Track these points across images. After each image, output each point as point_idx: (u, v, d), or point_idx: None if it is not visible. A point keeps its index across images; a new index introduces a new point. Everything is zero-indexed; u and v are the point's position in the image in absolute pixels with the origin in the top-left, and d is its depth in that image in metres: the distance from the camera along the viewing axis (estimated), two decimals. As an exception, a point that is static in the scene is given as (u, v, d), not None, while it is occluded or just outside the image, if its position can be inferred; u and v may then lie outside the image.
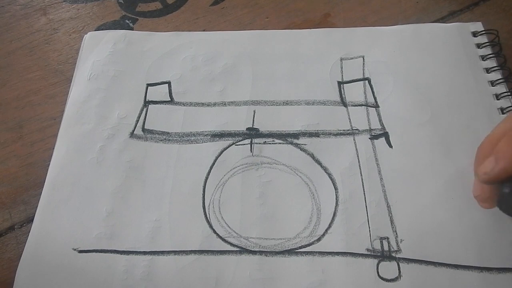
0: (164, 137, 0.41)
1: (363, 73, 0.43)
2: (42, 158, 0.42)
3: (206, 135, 0.41)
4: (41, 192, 0.39)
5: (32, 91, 0.46)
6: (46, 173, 0.40)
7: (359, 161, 0.38)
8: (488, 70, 0.41)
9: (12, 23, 0.52)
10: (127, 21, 0.50)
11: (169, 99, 0.43)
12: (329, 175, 0.38)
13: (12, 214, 0.39)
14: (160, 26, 0.50)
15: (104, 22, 0.51)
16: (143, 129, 0.41)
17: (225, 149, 0.40)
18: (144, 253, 0.36)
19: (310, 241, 0.35)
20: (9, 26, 0.52)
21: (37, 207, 0.38)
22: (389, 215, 0.36)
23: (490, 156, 0.31)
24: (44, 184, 0.39)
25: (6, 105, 0.46)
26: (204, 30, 0.49)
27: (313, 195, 0.37)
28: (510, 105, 0.39)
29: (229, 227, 0.36)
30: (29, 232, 0.37)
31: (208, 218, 0.37)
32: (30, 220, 0.38)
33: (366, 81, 0.42)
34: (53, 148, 0.41)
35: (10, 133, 0.44)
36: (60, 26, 0.51)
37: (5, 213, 0.39)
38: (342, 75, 0.43)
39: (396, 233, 0.35)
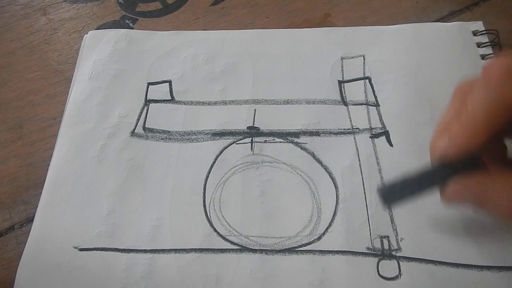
0: (165, 136, 0.41)
1: (364, 72, 0.43)
2: (42, 158, 0.42)
3: (206, 134, 0.41)
4: (41, 192, 0.39)
5: (32, 91, 0.46)
6: (46, 173, 0.40)
7: (359, 160, 0.38)
8: (488, 70, 0.42)
9: (12, 23, 0.52)
10: (127, 21, 0.51)
11: (170, 98, 0.43)
12: (330, 174, 0.38)
13: (12, 214, 0.39)
14: (160, 26, 0.50)
15: (104, 22, 0.51)
16: (144, 128, 0.41)
17: (225, 147, 0.40)
18: (145, 251, 0.36)
19: (311, 240, 0.35)
20: (9, 26, 0.52)
21: (37, 207, 0.38)
22: (389, 213, 0.36)
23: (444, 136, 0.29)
24: (44, 184, 0.39)
25: (6, 105, 0.46)
26: (204, 30, 0.49)
27: (314, 194, 0.37)
28: (510, 104, 0.40)
29: (230, 225, 0.36)
30: (29, 232, 0.37)
31: (209, 217, 0.37)
32: (30, 220, 0.38)
33: (367, 80, 0.42)
34: (53, 148, 0.41)
35: (10, 133, 0.44)
36: (60, 26, 0.51)
37: (5, 213, 0.39)
38: (343, 74, 0.43)
39: (396, 232, 0.35)
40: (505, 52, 0.27)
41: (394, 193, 0.32)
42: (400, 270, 0.33)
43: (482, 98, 0.27)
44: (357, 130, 0.40)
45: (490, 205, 0.28)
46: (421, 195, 0.31)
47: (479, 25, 0.44)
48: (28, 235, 0.37)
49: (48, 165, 0.40)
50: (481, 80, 0.27)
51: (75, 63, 0.47)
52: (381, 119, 0.40)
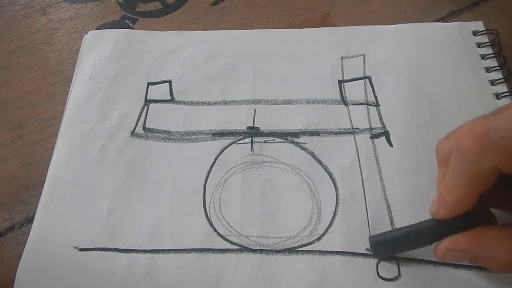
0: (165, 136, 0.41)
1: (364, 71, 0.43)
2: (42, 158, 0.42)
3: (206, 134, 0.41)
4: (41, 192, 0.39)
5: (32, 91, 0.46)
6: (46, 173, 0.40)
7: (359, 160, 0.38)
8: (488, 70, 0.42)
9: (12, 23, 0.52)
10: (127, 21, 0.51)
11: (170, 98, 0.43)
12: (330, 174, 0.38)
13: (12, 214, 0.39)
14: (160, 26, 0.50)
15: (104, 22, 0.51)
16: (144, 128, 0.41)
17: (225, 148, 0.40)
18: (145, 251, 0.36)
19: (310, 240, 0.35)
20: (9, 26, 0.52)
21: (37, 207, 0.38)
22: (389, 214, 0.36)
23: (435, 197, 0.31)
24: (44, 184, 0.39)
25: (6, 105, 0.46)
26: (204, 30, 0.49)
27: (314, 194, 0.37)
28: (510, 104, 0.40)
29: (230, 225, 0.36)
30: (29, 232, 0.37)
31: (209, 217, 0.37)
32: (30, 220, 0.38)
33: (367, 80, 0.42)
34: (53, 148, 0.41)
35: (10, 133, 0.44)
36: (60, 26, 0.51)
37: (5, 213, 0.39)
38: (343, 74, 0.43)
39: (396, 232, 0.35)
40: (476, 121, 0.27)
41: (386, 245, 0.33)
42: (399, 271, 0.33)
43: (459, 168, 0.27)
44: (357, 130, 0.40)
45: (486, 261, 0.29)
46: (414, 248, 0.32)
47: (479, 25, 0.44)
48: (28, 235, 0.37)
49: (48, 165, 0.40)
50: (456, 149, 0.27)
51: (75, 63, 0.47)
52: (381, 119, 0.40)
